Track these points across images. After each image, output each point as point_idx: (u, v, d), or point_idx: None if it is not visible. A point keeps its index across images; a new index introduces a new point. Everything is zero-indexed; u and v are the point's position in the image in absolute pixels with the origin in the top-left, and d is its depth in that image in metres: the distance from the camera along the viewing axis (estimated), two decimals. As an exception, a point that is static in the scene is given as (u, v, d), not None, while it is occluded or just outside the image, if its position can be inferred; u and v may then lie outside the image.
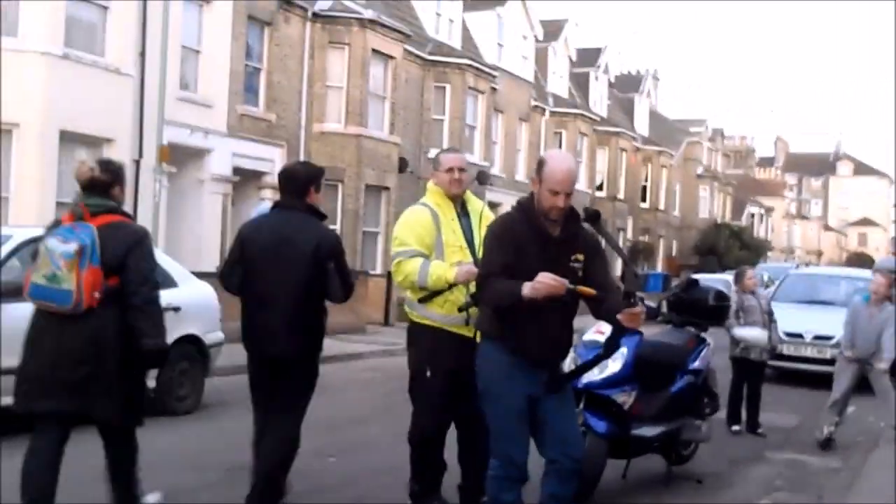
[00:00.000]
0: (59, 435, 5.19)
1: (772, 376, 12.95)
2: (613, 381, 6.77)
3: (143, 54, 17.81)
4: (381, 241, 24.32)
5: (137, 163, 17.80)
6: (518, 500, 5.06)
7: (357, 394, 11.74)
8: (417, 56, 26.83)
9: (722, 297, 8.69)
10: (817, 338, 14.06)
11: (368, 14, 23.22)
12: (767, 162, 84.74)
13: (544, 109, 36.11)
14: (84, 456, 5.43)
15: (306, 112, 22.79)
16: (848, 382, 9.56)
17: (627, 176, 43.36)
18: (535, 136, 35.32)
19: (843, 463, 8.85)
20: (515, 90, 33.28)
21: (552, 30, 37.51)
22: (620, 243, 33.93)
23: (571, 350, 5.54)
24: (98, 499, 5.65)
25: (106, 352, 5.01)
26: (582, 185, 37.37)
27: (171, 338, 6.68)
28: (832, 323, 9.95)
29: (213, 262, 18.94)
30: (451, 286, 5.68)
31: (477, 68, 28.70)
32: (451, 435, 6.09)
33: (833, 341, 9.73)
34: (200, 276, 10.72)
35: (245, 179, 21.11)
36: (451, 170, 5.93)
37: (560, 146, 35.64)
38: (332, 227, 21.61)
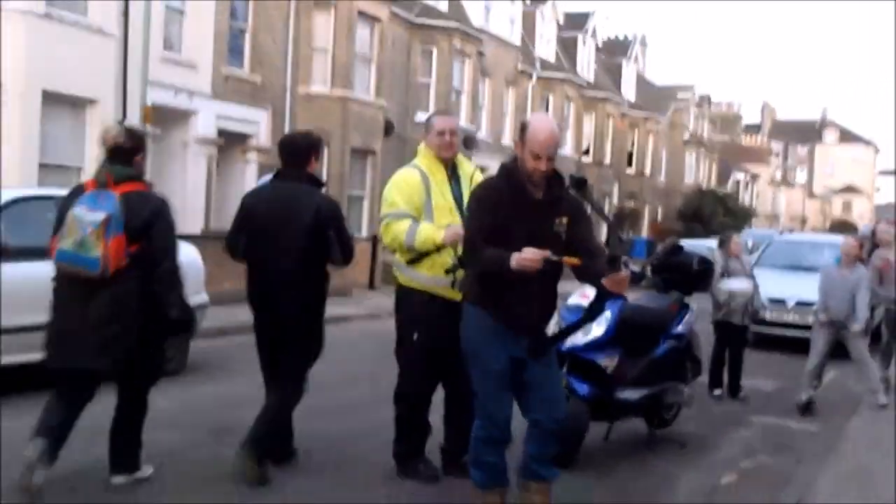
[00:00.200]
0: (84, 392, 5.50)
1: (754, 341, 13.05)
2: (597, 345, 6.81)
3: (126, 14, 17.60)
4: (366, 204, 24.28)
5: (121, 124, 17.65)
6: (501, 461, 5.11)
7: (342, 356, 11.74)
8: (404, 19, 26.67)
9: (706, 262, 8.73)
10: (800, 304, 14.13)
11: (355, -25, 23.03)
12: (754, 129, 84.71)
13: (531, 74, 35.98)
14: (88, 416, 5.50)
15: (292, 74, 22.62)
16: (824, 347, 9.65)
17: (614, 141, 43.33)
18: (522, 100, 35.21)
19: (822, 427, 8.95)
20: (502, 54, 33.14)
21: (540, -7, 37.35)
22: (606, 208, 33.95)
23: (555, 313, 5.57)
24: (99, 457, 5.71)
25: (129, 314, 5.31)
26: (568, 150, 37.36)
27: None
28: (815, 289, 10.02)
29: (197, 225, 18.91)
30: (438, 248, 5.71)
31: (464, 32, 28.55)
32: (436, 396, 6.14)
33: (815, 307, 9.89)
34: (185, 238, 10.68)
35: (230, 142, 20.99)
36: (442, 133, 5.94)
37: (547, 111, 35.57)
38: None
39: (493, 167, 5.33)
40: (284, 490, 5.82)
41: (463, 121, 28.06)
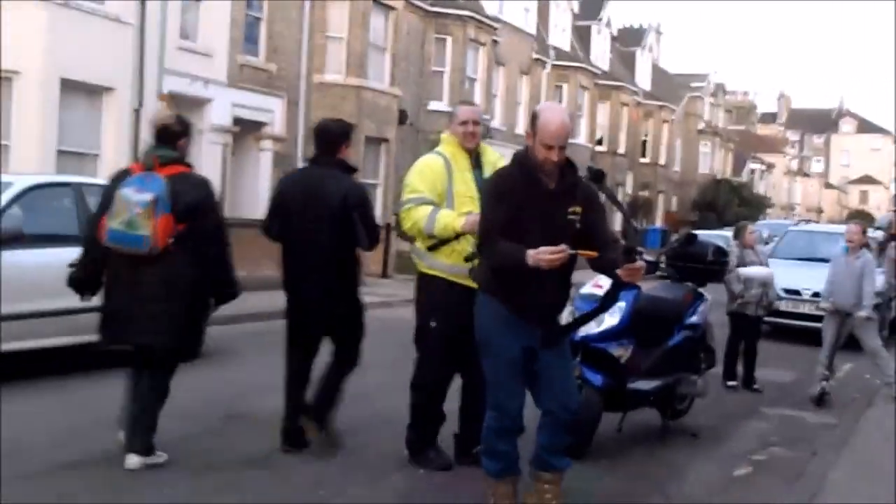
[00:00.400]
0: (143, 369, 5.78)
1: (769, 332, 13.01)
2: (610, 335, 6.80)
3: (143, 2, 17.67)
4: (380, 193, 24.28)
5: (137, 112, 17.73)
6: (513, 451, 5.12)
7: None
8: (419, 7, 26.62)
9: (721, 252, 8.70)
10: (815, 295, 14.07)
11: (370, -36, 23.00)
12: (770, 118, 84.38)
13: (545, 62, 35.90)
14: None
15: (307, 62, 22.63)
16: (832, 337, 9.64)
17: (628, 130, 43.20)
18: (536, 89, 35.13)
19: (838, 419, 8.91)
20: (517, 43, 33.05)
21: (555, -18, 37.21)
22: (620, 198, 33.89)
23: (569, 303, 5.57)
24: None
25: (176, 291, 5.59)
26: (582, 139, 37.28)
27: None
28: (830, 280, 9.99)
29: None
30: (458, 235, 5.73)
31: (478, 20, 28.48)
32: (451, 384, 6.16)
33: (821, 296, 9.92)
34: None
35: (245, 130, 21.02)
36: (465, 122, 5.99)
37: (561, 100, 35.48)
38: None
39: (508, 156, 5.33)
40: (296, 476, 5.86)
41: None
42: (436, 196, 5.85)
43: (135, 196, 5.46)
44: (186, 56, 19.16)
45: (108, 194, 5.68)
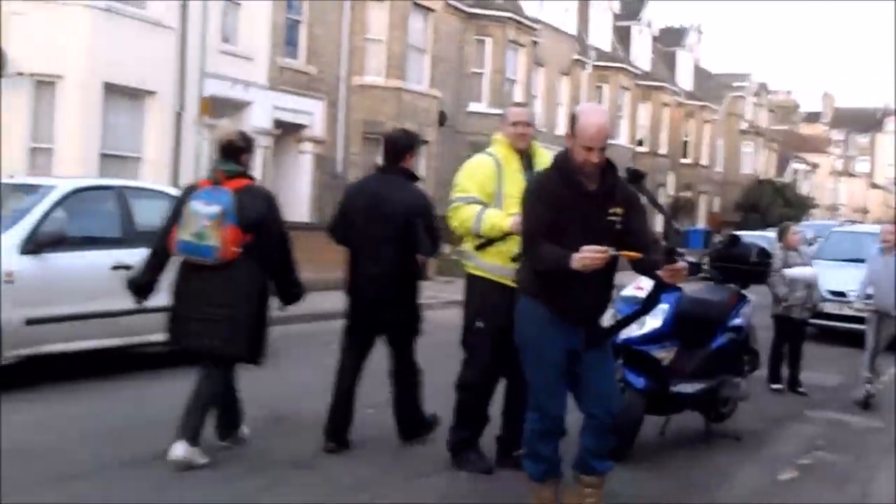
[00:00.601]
0: (213, 371, 6.02)
1: (814, 335, 12.84)
2: (653, 337, 6.73)
3: (184, 7, 17.84)
4: (420, 195, 24.26)
5: (179, 115, 17.92)
6: (555, 454, 5.09)
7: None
8: (458, 9, 26.62)
9: (765, 254, 8.60)
10: (868, 297, 13.87)
11: (409, -34, 23.04)
12: (813, 117, 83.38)
13: (586, 63, 35.76)
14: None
15: (346, 65, 22.73)
16: (873, 339, 9.53)
17: (669, 131, 42.92)
18: (577, 90, 35.00)
19: (884, 422, 8.77)
20: (557, 43, 32.95)
21: (595, -18, 37.05)
22: (661, 199, 33.66)
23: (610, 305, 5.52)
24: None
25: (241, 298, 5.88)
26: (623, 140, 37.09)
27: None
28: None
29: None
30: (505, 235, 5.71)
31: (518, 21, 28.43)
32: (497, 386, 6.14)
33: (856, 297, 9.80)
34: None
35: (285, 132, 21.15)
36: (516, 124, 5.99)
37: (601, 100, 35.34)
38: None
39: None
40: (337, 478, 5.86)
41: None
42: (485, 196, 5.86)
43: (203, 209, 5.78)
44: (227, 59, 19.32)
45: (178, 207, 6.03)
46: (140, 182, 13.79)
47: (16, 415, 6.77)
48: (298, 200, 21.25)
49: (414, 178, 6.53)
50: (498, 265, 5.82)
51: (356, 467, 6.10)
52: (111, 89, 16.39)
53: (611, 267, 4.80)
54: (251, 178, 6.13)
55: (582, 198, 4.79)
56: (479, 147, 6.22)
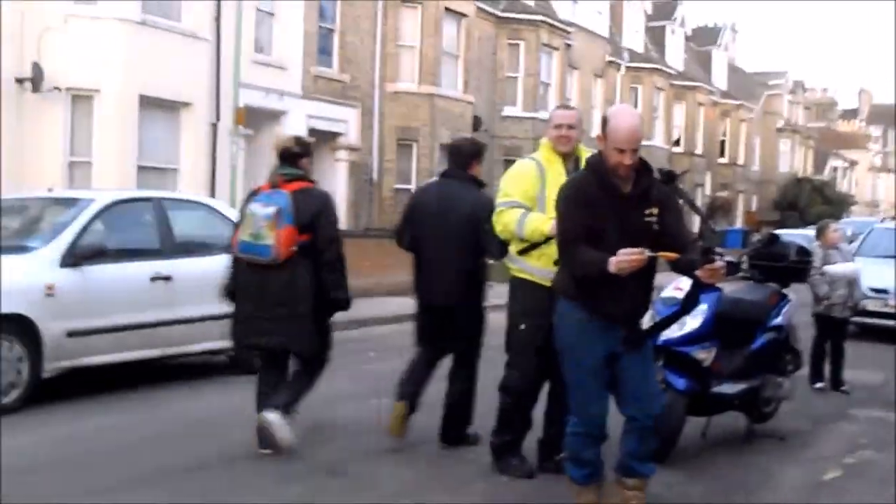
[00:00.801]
0: (274, 368, 6.40)
1: (856, 333, 12.69)
2: (693, 338, 6.68)
3: (218, 19, 17.98)
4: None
5: (215, 126, 18.05)
6: (597, 458, 5.06)
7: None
8: (490, 13, 26.62)
9: (804, 252, 8.50)
10: (907, 294, 13.70)
11: (440, -28, 23.08)
12: (850, 114, 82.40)
13: (619, 65, 35.62)
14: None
15: (380, 72, 22.80)
16: None
17: (705, 131, 42.63)
18: (611, 92, 34.86)
19: (930, 421, 8.63)
20: (590, 46, 32.86)
21: (627, -17, 36.90)
22: (699, 199, 33.40)
23: (650, 307, 5.48)
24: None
25: (299, 295, 6.09)
26: (659, 140, 36.88)
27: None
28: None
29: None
30: (547, 239, 5.69)
31: (551, 24, 28.39)
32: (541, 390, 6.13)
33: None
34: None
35: (320, 140, 21.21)
36: (559, 126, 5.95)
37: (636, 102, 35.17)
38: (408, 186, 21.72)
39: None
40: (378, 484, 5.87)
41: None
42: (528, 200, 5.84)
43: (261, 210, 6.03)
44: (261, 69, 19.45)
45: (241, 211, 6.32)
46: (177, 193, 13.92)
47: (58, 427, 6.84)
48: (336, 207, 21.33)
49: (480, 184, 6.65)
50: (540, 267, 5.79)
51: (396, 473, 6.10)
52: (147, 102, 16.54)
53: (650, 268, 4.77)
54: (310, 180, 6.33)
55: (617, 200, 4.76)
56: (513, 151, 6.22)
